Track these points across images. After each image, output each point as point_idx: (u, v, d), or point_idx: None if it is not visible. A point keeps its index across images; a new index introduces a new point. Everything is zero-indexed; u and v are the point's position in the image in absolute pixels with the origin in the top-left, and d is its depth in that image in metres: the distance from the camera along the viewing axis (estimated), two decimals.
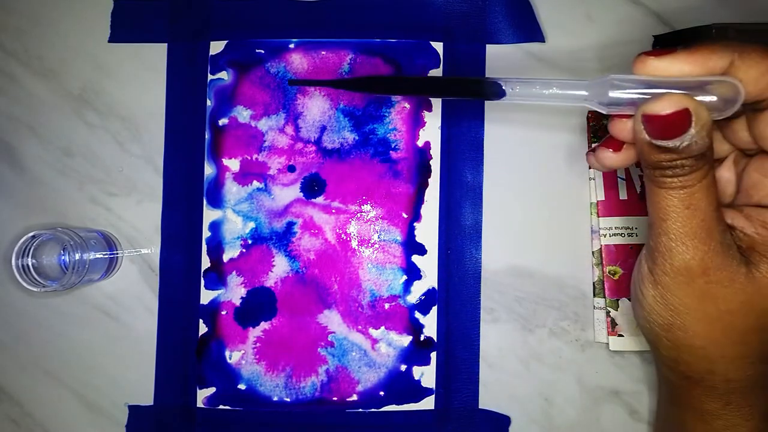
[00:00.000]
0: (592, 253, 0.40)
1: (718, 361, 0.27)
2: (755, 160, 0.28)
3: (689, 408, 0.29)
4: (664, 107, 0.24)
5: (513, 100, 0.28)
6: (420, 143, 0.41)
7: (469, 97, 0.31)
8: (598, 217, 0.40)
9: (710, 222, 0.25)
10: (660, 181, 0.25)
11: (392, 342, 0.40)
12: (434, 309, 0.40)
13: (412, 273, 0.40)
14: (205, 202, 0.41)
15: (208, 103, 0.41)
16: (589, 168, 0.31)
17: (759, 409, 0.28)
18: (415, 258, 0.41)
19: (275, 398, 0.40)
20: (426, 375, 0.40)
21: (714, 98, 0.24)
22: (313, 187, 0.41)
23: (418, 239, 0.41)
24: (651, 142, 0.25)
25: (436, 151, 0.41)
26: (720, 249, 0.26)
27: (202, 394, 0.40)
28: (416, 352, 0.40)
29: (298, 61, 0.41)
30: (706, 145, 0.24)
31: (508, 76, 0.28)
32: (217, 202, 0.41)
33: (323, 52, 0.41)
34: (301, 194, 0.41)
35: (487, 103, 0.41)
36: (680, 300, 0.27)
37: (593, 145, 0.28)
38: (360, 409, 0.40)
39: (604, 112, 0.27)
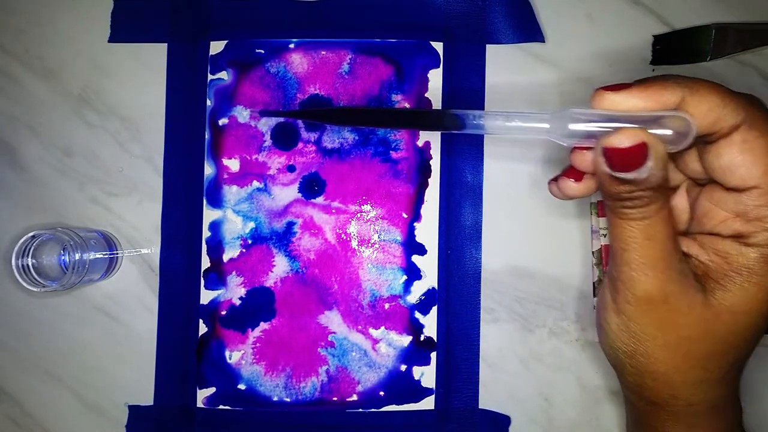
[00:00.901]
0: (592, 253, 0.40)
1: (680, 386, 0.28)
2: (706, 190, 0.29)
3: None
4: (623, 141, 0.25)
5: (475, 131, 0.29)
6: (420, 143, 0.41)
7: (431, 129, 0.31)
8: (598, 217, 0.40)
9: (668, 252, 0.26)
10: (620, 212, 0.26)
11: (392, 342, 0.40)
12: (434, 309, 0.40)
13: (412, 273, 0.41)
14: (205, 202, 0.41)
15: (208, 103, 0.41)
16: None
17: (720, 431, 0.29)
18: (415, 258, 0.41)
19: (275, 398, 0.40)
20: (426, 375, 0.40)
21: (669, 132, 0.25)
22: (313, 187, 0.41)
23: (418, 239, 0.41)
24: (611, 174, 0.25)
25: (436, 151, 0.41)
26: (678, 277, 0.27)
27: (202, 394, 0.40)
28: (416, 352, 0.40)
29: (298, 61, 0.41)
30: (663, 177, 0.25)
31: (471, 110, 0.29)
32: (217, 202, 0.41)
33: (323, 52, 0.41)
34: (300, 195, 0.41)
35: (488, 105, 0.41)
36: (642, 328, 0.27)
37: (555, 175, 0.30)
38: (360, 410, 0.40)
39: (564, 144, 0.28)
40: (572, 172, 0.29)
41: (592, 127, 0.26)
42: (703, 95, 0.25)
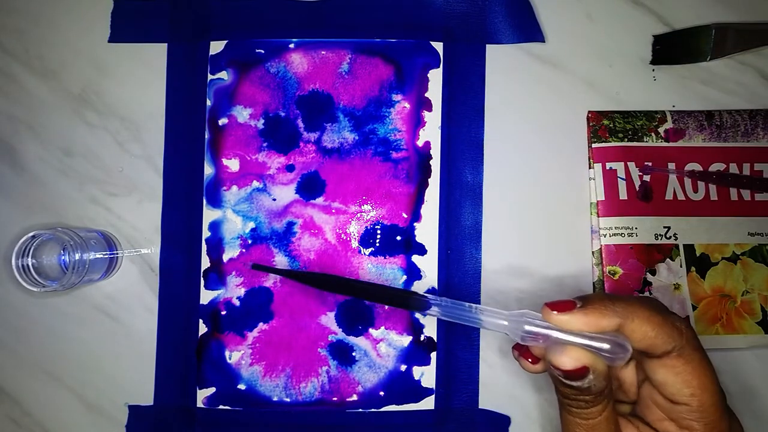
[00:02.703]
0: (592, 253, 0.40)
1: None
2: (648, 385, 0.31)
3: None
4: (566, 363, 0.28)
5: (439, 315, 0.32)
6: (420, 143, 0.41)
7: (398, 307, 0.34)
8: (598, 217, 0.40)
9: None
10: (567, 408, 0.30)
11: (392, 342, 0.40)
12: None
13: (412, 273, 0.40)
14: (204, 201, 0.41)
15: (208, 102, 0.41)
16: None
17: None
18: (415, 258, 0.41)
19: (275, 398, 0.40)
20: (426, 375, 0.40)
21: (608, 347, 0.28)
22: (312, 187, 0.41)
23: (418, 239, 0.41)
24: (558, 377, 0.29)
25: (436, 151, 0.41)
26: None
27: (202, 394, 0.40)
28: (416, 352, 0.40)
29: (298, 61, 0.41)
30: (603, 386, 0.28)
31: (441, 298, 0.32)
32: (216, 201, 0.41)
33: (323, 52, 0.41)
34: (298, 195, 0.41)
35: (488, 105, 0.41)
36: None
37: (519, 344, 0.32)
38: (360, 410, 0.40)
39: (518, 340, 0.30)
40: (529, 355, 0.31)
41: (543, 329, 0.29)
42: (637, 325, 0.28)
